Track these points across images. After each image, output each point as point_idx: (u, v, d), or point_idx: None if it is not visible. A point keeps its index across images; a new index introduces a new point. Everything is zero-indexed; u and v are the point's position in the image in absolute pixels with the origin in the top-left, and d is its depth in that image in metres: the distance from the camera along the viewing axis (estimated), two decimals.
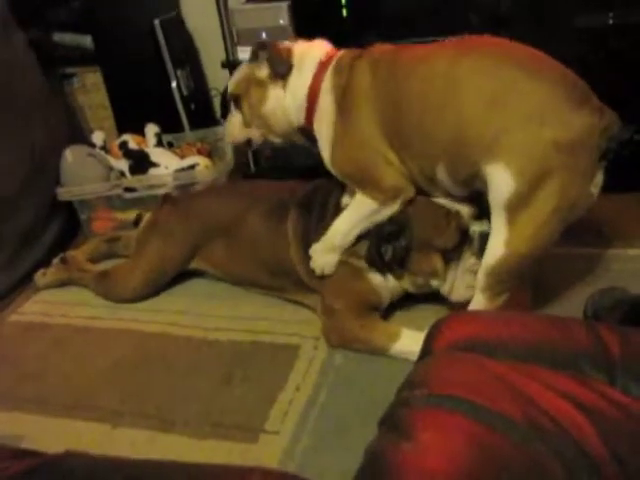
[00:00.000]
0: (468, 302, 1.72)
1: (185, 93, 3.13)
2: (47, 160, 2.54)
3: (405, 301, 1.93)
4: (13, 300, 2.30)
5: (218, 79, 3.31)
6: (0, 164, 2.36)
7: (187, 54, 3.26)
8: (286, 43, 1.87)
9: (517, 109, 1.50)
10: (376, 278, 1.84)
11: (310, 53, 1.83)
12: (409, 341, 1.73)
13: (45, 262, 2.39)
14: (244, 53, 2.81)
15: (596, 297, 1.70)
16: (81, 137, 2.90)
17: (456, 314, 1.21)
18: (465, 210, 1.74)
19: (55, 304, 2.25)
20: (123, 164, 2.60)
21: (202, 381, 1.78)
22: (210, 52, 3.28)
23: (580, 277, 1.96)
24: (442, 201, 1.75)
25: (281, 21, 2.71)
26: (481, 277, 1.65)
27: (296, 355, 1.83)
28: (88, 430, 1.67)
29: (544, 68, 1.56)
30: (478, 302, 1.69)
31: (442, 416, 0.84)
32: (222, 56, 2.89)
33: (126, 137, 2.71)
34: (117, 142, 2.72)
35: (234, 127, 1.96)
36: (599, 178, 1.58)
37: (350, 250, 1.84)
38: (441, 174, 1.66)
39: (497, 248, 1.59)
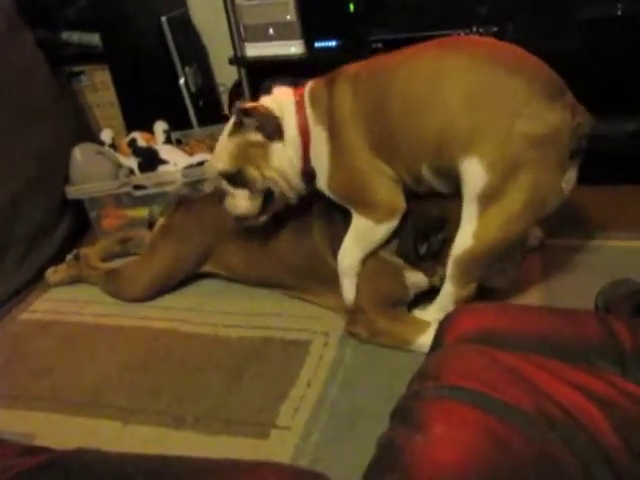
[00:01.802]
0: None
1: (193, 90, 3.13)
2: (56, 159, 2.54)
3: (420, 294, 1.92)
4: (24, 298, 2.31)
5: (226, 75, 3.31)
6: (9, 163, 2.36)
7: (195, 51, 3.26)
8: (253, 104, 1.86)
9: (491, 105, 1.55)
10: (412, 276, 1.83)
11: (283, 100, 1.84)
12: None
13: (56, 260, 2.41)
14: (252, 49, 2.82)
15: (607, 289, 1.70)
16: (90, 135, 2.90)
17: (467, 307, 1.21)
18: None
19: (66, 302, 2.25)
20: (132, 162, 2.60)
21: (213, 377, 1.79)
22: (217, 48, 3.28)
23: (591, 269, 1.95)
24: None
25: (288, 17, 2.72)
26: (450, 266, 1.70)
27: (307, 351, 1.83)
28: (99, 427, 1.67)
29: (520, 65, 1.59)
30: (446, 290, 1.74)
31: (454, 408, 0.83)
32: (229, 52, 2.90)
33: (135, 134, 2.71)
34: (126, 140, 2.73)
35: (242, 204, 1.90)
36: (571, 174, 1.62)
37: (386, 246, 1.83)
38: (426, 173, 1.70)
39: (466, 239, 1.64)
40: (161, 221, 2.23)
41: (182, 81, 3.08)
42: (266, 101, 1.85)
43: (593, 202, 2.33)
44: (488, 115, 1.55)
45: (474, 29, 2.46)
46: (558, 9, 2.44)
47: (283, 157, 1.83)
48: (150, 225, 2.28)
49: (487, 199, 1.58)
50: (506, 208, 1.58)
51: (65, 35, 2.96)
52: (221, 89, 3.41)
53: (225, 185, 1.90)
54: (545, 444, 0.78)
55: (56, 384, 1.85)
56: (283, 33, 2.75)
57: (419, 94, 1.63)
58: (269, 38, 2.78)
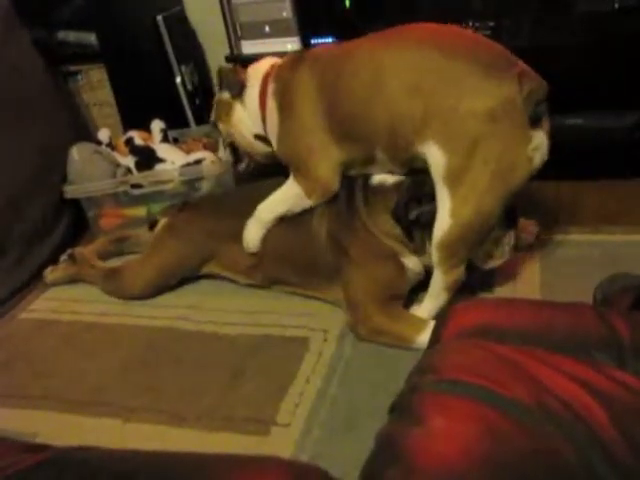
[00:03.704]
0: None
1: (190, 88, 3.13)
2: (53, 158, 2.54)
3: (417, 292, 1.93)
4: (23, 298, 2.31)
5: None
6: (6, 163, 2.36)
7: (191, 49, 3.26)
8: (235, 67, 2.11)
9: (435, 89, 1.61)
10: (407, 261, 1.84)
11: (256, 69, 2.02)
12: None
13: (54, 260, 2.41)
14: (248, 47, 2.82)
15: (606, 283, 1.70)
16: (87, 134, 2.90)
17: (465, 301, 1.21)
18: None
19: (65, 301, 2.26)
20: (129, 161, 2.60)
21: (213, 375, 1.79)
22: (214, 47, 3.27)
23: (590, 263, 1.95)
24: None
25: (284, 14, 2.71)
26: (434, 252, 1.73)
27: (306, 347, 1.83)
28: (100, 426, 1.67)
29: (457, 45, 1.66)
30: (436, 278, 1.78)
31: (453, 401, 0.83)
32: (226, 50, 2.90)
33: (132, 133, 2.71)
34: (123, 139, 2.72)
35: (221, 149, 2.28)
36: (538, 142, 1.63)
37: (385, 231, 1.84)
38: (380, 155, 1.79)
39: (443, 221, 1.67)
40: (164, 220, 2.22)
41: (179, 80, 3.07)
42: (251, 65, 2.06)
43: (592, 196, 2.34)
44: (434, 99, 1.61)
45: (470, 23, 2.46)
46: (556, 2, 2.44)
47: (241, 117, 2.06)
48: (151, 225, 2.27)
49: (454, 179, 1.62)
50: (474, 185, 1.61)
51: (61, 34, 2.95)
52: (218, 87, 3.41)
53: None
54: (544, 437, 0.78)
55: (56, 383, 1.86)
56: (279, 30, 2.75)
57: (366, 85, 1.72)
58: (265, 35, 2.78)
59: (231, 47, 2.87)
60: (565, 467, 0.76)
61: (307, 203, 1.92)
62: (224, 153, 2.28)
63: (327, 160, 1.86)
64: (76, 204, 2.59)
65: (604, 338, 0.99)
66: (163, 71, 3.05)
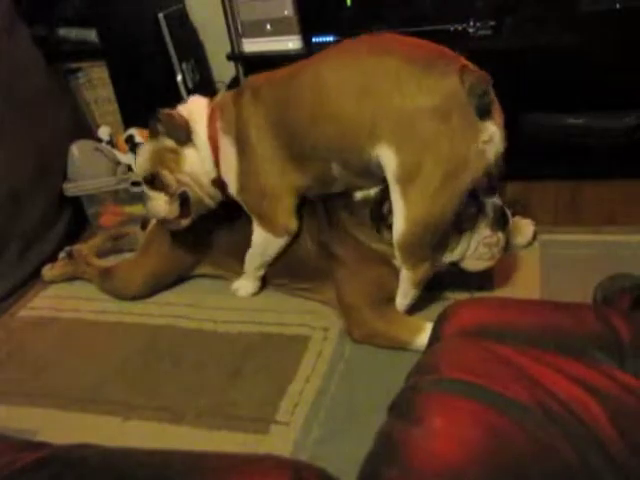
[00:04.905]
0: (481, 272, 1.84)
1: (190, 86, 3.13)
2: (54, 156, 2.54)
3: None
4: (23, 295, 2.31)
5: (223, 72, 3.31)
6: (7, 161, 2.36)
7: (192, 47, 3.26)
8: (168, 111, 1.92)
9: (380, 91, 1.62)
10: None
11: (194, 110, 1.92)
12: None
13: (54, 257, 2.41)
14: (249, 45, 2.82)
15: (606, 283, 1.70)
16: (87, 132, 2.90)
17: (464, 301, 1.21)
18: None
19: (65, 298, 2.26)
20: (130, 158, 2.60)
21: (212, 373, 1.79)
22: (215, 45, 3.27)
23: (590, 263, 1.95)
24: None
25: (286, 12, 2.71)
26: (397, 252, 1.74)
27: (305, 346, 1.83)
28: (99, 423, 1.68)
29: (396, 48, 1.67)
30: (403, 276, 1.79)
31: (452, 401, 0.83)
32: (227, 48, 2.90)
33: (132, 131, 2.71)
34: (123, 136, 2.72)
35: (161, 206, 1.96)
36: (489, 134, 1.62)
37: (372, 235, 1.84)
38: (337, 171, 1.79)
39: (400, 222, 1.68)
40: (155, 220, 2.22)
41: (179, 77, 3.07)
42: (182, 107, 1.94)
43: (592, 196, 2.34)
44: (380, 102, 1.62)
45: (471, 23, 2.46)
46: (557, 2, 2.44)
47: (194, 163, 1.92)
48: (143, 225, 2.27)
49: (406, 180, 1.63)
50: (427, 183, 1.62)
51: (62, 32, 2.95)
52: (219, 85, 3.41)
53: (145, 188, 1.98)
54: (543, 436, 0.78)
55: (56, 380, 1.86)
56: (280, 29, 2.75)
57: (313, 103, 1.72)
58: (266, 34, 2.77)
59: (232, 45, 2.87)
60: (564, 467, 0.76)
61: (279, 242, 1.95)
62: (173, 207, 1.95)
63: (286, 200, 1.89)
64: (76, 202, 2.59)
65: (604, 338, 0.99)
66: (164, 69, 3.05)
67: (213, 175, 1.93)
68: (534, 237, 2.10)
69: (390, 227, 1.74)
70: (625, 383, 0.85)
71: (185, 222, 1.99)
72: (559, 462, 0.76)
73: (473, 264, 1.81)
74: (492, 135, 1.61)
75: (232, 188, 1.93)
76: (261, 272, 2.07)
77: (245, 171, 1.89)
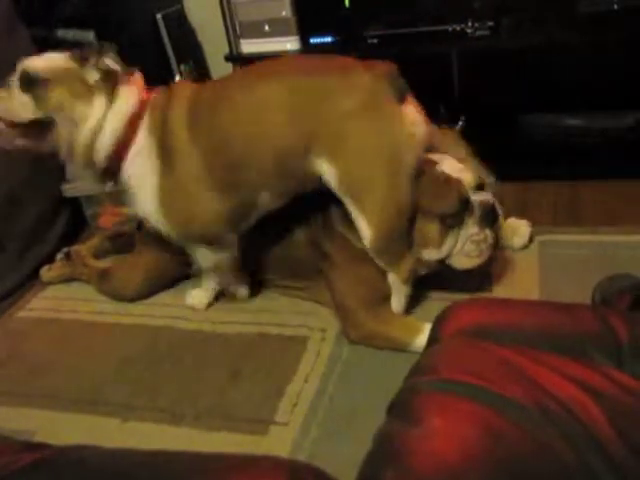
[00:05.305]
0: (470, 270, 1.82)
1: None
2: (52, 157, 2.54)
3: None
4: (22, 296, 2.31)
5: (222, 72, 3.29)
6: (6, 162, 2.36)
7: (190, 48, 3.26)
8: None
9: (308, 106, 1.65)
10: None
11: (138, 82, 1.79)
12: None
13: (52, 258, 2.40)
14: (247, 46, 2.82)
15: (605, 284, 1.70)
16: None
17: (463, 302, 1.21)
18: (467, 179, 1.77)
19: (63, 300, 2.26)
20: None
21: (211, 374, 1.79)
22: (213, 46, 3.27)
23: (589, 264, 1.95)
24: (445, 168, 1.77)
25: (284, 13, 2.71)
26: (374, 258, 1.77)
27: (304, 347, 1.83)
28: (98, 424, 1.68)
29: (311, 64, 1.74)
30: (390, 277, 1.81)
31: (451, 401, 0.84)
32: (225, 49, 2.90)
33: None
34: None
35: (14, 106, 1.68)
36: (412, 116, 1.66)
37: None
38: (264, 200, 1.78)
39: (364, 230, 1.70)
40: None
41: (178, 78, 3.07)
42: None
43: (592, 196, 2.34)
44: (311, 117, 1.64)
45: (469, 23, 2.46)
46: (555, 3, 2.44)
47: (95, 116, 1.69)
48: (139, 225, 2.26)
49: (354, 189, 1.66)
50: (375, 185, 1.65)
51: (60, 33, 2.94)
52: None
53: (14, 83, 1.70)
54: (542, 437, 0.78)
55: (55, 382, 1.86)
56: (278, 29, 2.75)
57: (246, 128, 1.70)
58: (265, 34, 2.78)
59: (230, 46, 2.87)
60: (563, 467, 0.76)
61: (222, 255, 1.89)
62: (24, 111, 1.67)
63: (212, 215, 1.77)
64: (75, 202, 2.59)
65: (602, 338, 0.99)
66: (162, 70, 3.04)
67: (104, 153, 1.71)
68: (530, 238, 2.10)
69: None
70: (623, 383, 0.85)
71: (22, 143, 1.73)
72: (558, 462, 0.76)
73: (461, 261, 1.80)
74: (414, 116, 1.66)
75: (145, 201, 1.78)
76: (216, 286, 2.04)
77: (168, 188, 1.74)
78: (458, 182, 1.74)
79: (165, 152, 1.73)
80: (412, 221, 1.74)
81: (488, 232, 1.77)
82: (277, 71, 1.73)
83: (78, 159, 1.75)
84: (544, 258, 2.03)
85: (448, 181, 1.74)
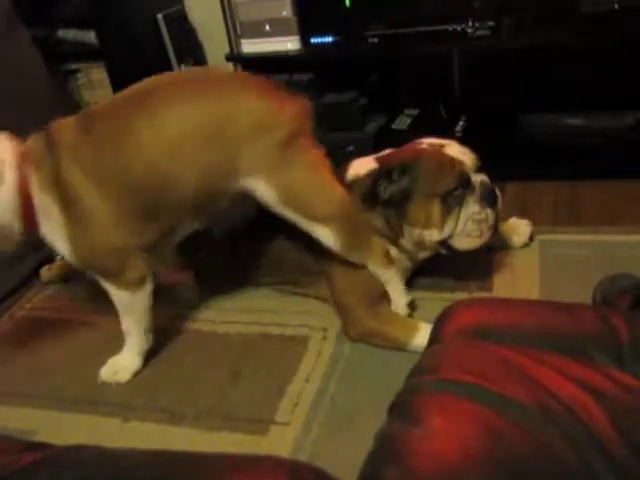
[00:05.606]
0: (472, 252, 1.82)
1: None
2: None
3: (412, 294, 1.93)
4: (22, 296, 2.31)
5: None
6: None
7: (191, 48, 3.26)
8: None
9: (227, 128, 1.62)
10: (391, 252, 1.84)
11: (6, 152, 1.66)
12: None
13: (52, 258, 2.40)
14: (248, 46, 2.83)
15: (605, 283, 1.70)
16: None
17: (464, 301, 1.21)
18: (468, 160, 1.78)
19: (64, 299, 2.26)
20: None
21: (211, 374, 1.79)
22: (214, 45, 3.27)
23: (589, 264, 1.95)
24: (448, 150, 1.79)
25: (284, 13, 2.71)
26: (344, 255, 1.79)
27: (305, 346, 1.83)
28: (99, 424, 1.68)
29: (220, 91, 1.68)
30: (371, 269, 1.82)
31: (452, 401, 0.83)
32: (226, 49, 2.90)
33: None
34: None
35: None
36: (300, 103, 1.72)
37: None
38: (185, 229, 1.77)
39: (319, 233, 1.73)
40: None
41: None
42: None
43: (592, 196, 2.34)
44: (232, 139, 1.62)
45: (469, 23, 2.46)
46: (555, 3, 2.44)
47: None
48: None
49: (287, 197, 1.67)
50: (307, 185, 1.68)
51: (61, 33, 2.95)
52: None
53: None
54: (543, 437, 0.78)
55: (55, 381, 1.86)
56: (279, 29, 2.76)
57: (159, 161, 1.62)
58: (265, 34, 2.78)
59: (231, 46, 2.87)
60: (564, 467, 0.76)
61: (142, 296, 1.77)
62: None
63: (131, 255, 1.70)
64: None
65: (603, 338, 0.99)
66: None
67: (20, 229, 1.66)
68: (531, 237, 2.10)
69: (387, 210, 1.80)
70: (625, 383, 0.85)
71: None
72: (558, 462, 0.76)
73: (462, 242, 1.80)
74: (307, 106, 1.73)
75: (62, 250, 1.70)
76: (143, 337, 1.84)
77: (77, 233, 1.65)
78: (460, 162, 1.76)
79: (68, 204, 1.63)
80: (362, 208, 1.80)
81: (489, 212, 1.78)
82: (181, 95, 1.65)
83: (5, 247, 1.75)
84: (544, 258, 2.03)
85: (452, 161, 1.76)
